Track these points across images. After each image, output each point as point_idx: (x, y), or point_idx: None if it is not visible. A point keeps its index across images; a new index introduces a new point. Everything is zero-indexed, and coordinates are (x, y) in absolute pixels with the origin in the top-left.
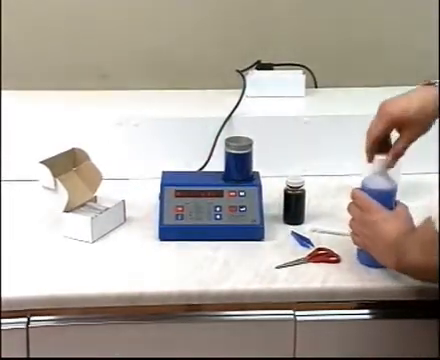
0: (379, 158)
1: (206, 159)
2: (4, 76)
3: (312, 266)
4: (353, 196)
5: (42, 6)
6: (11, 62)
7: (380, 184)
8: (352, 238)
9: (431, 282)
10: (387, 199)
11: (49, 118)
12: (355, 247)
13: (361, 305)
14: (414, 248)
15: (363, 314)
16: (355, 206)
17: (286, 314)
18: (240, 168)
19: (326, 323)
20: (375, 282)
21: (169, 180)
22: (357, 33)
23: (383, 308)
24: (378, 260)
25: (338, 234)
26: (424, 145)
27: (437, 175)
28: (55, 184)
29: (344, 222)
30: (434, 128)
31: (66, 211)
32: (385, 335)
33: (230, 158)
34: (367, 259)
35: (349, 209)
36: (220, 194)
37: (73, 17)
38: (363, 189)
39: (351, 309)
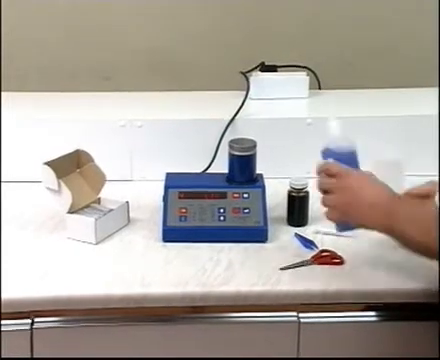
0: (332, 122)
1: (210, 161)
2: (8, 78)
3: (316, 268)
4: (321, 169)
5: (45, 8)
6: (14, 63)
7: (343, 147)
8: (329, 215)
9: (428, 258)
10: (353, 160)
11: (53, 120)
12: (359, 249)
13: (365, 307)
14: (413, 224)
15: (367, 316)
16: (327, 177)
17: (290, 316)
18: (244, 170)
19: (330, 325)
20: (379, 284)
21: (173, 182)
22: (360, 35)
23: (387, 310)
24: (363, 222)
25: (342, 236)
26: (427, 147)
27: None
28: (59, 185)
29: None
30: (434, 129)
31: (70, 212)
32: (389, 337)
33: (234, 160)
34: (347, 225)
35: (320, 183)
36: (224, 196)
37: (76, 20)
38: (328, 158)
39: (355, 311)
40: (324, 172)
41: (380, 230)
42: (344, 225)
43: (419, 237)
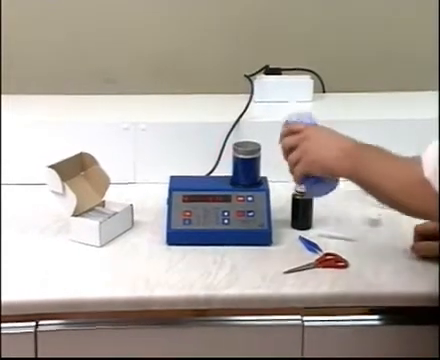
0: (296, 112)
1: (214, 164)
2: (10, 80)
3: (320, 271)
4: (284, 132)
5: (47, 10)
6: (17, 66)
7: (305, 119)
8: (296, 172)
9: (399, 212)
10: None
11: (57, 122)
12: (363, 252)
13: (368, 311)
14: (389, 180)
15: (371, 320)
16: (290, 135)
17: (294, 319)
18: (248, 173)
19: (334, 328)
20: (383, 288)
21: (177, 185)
22: (365, 38)
23: (391, 314)
24: (329, 168)
25: (346, 239)
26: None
27: None
28: (63, 188)
29: (352, 227)
30: (434, 128)
31: (74, 215)
32: (392, 341)
33: (238, 163)
34: (320, 186)
35: (285, 142)
36: (228, 199)
37: (79, 22)
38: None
39: (359, 315)
40: (287, 133)
41: (345, 175)
42: (314, 186)
43: (396, 193)
